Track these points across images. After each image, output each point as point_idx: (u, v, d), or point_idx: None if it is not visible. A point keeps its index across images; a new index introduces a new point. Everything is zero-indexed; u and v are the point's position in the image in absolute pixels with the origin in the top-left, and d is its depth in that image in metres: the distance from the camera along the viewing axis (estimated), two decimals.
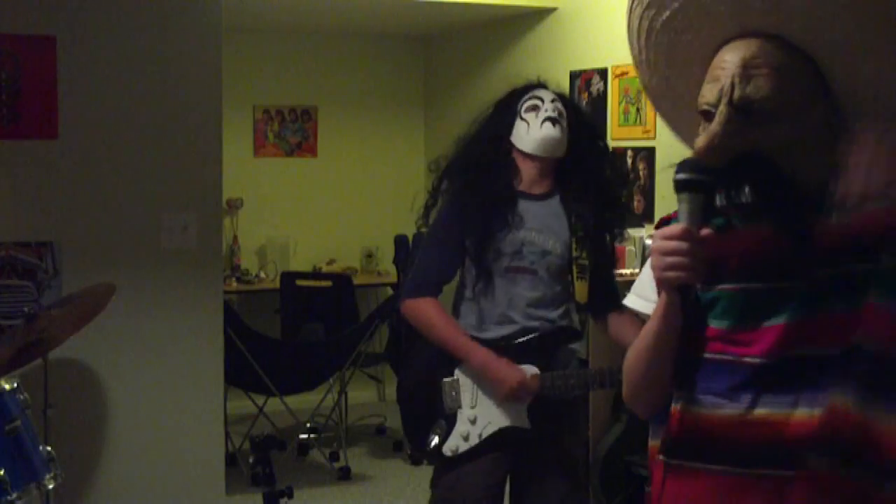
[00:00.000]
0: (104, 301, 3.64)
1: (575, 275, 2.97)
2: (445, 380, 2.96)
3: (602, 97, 5.29)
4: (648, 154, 5.05)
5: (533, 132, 2.90)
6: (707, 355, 1.60)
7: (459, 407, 2.93)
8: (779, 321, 1.53)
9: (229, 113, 4.61)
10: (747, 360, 1.55)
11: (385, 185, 6.97)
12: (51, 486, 3.26)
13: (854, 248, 1.51)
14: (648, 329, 1.65)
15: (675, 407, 1.63)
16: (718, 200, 1.59)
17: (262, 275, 6.56)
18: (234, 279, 6.37)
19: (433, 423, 2.94)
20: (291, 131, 6.94)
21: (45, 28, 3.91)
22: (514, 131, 2.94)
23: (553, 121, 2.89)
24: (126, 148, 4.05)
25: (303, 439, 5.77)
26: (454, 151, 3.04)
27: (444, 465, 2.98)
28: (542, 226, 2.94)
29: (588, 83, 5.40)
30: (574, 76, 5.49)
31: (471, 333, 2.95)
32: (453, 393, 2.95)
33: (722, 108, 1.54)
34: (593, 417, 4.41)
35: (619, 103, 5.18)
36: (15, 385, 3.26)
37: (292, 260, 6.74)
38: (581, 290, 2.97)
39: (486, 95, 3.12)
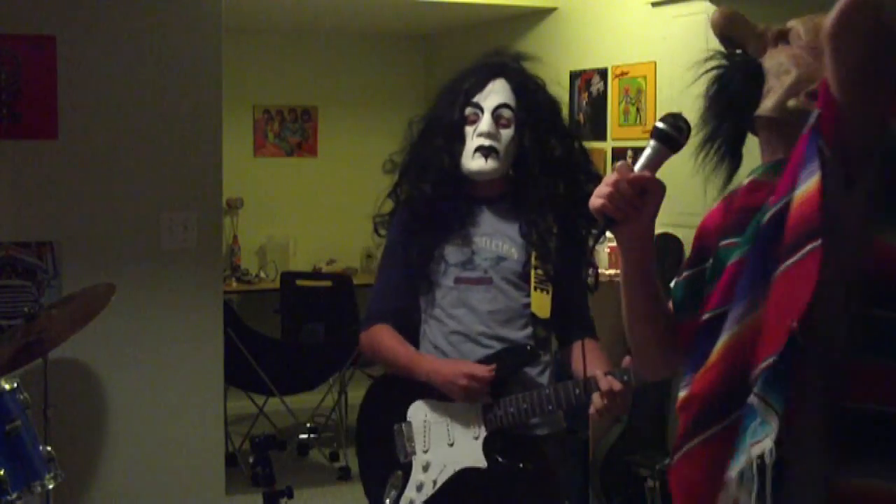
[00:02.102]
0: (104, 301, 3.63)
1: (533, 285, 2.59)
2: (397, 426, 2.63)
3: (602, 97, 5.29)
4: None
5: (466, 159, 2.59)
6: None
7: (414, 453, 2.60)
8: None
9: (229, 113, 4.60)
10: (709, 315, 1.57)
11: (385, 185, 6.95)
12: (51, 486, 3.26)
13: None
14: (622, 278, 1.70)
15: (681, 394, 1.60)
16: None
17: (262, 275, 6.56)
18: (234, 279, 6.37)
19: (390, 475, 2.62)
20: (291, 131, 6.94)
21: (45, 28, 3.91)
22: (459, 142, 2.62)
23: (485, 152, 2.55)
24: (126, 148, 4.05)
25: (303, 439, 5.77)
26: (406, 152, 2.79)
27: None
28: (493, 230, 2.62)
29: (588, 83, 5.40)
30: (574, 76, 5.48)
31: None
32: (406, 439, 2.61)
33: None
34: (593, 417, 4.40)
35: (619, 103, 5.18)
36: (15, 385, 3.26)
37: (292, 260, 6.73)
38: (539, 302, 2.59)
39: None
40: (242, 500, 4.79)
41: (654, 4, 4.96)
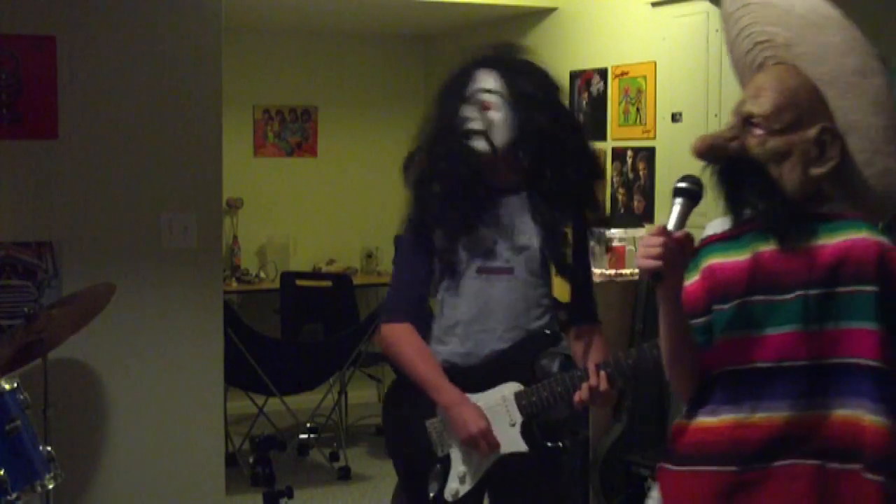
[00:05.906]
0: (104, 301, 3.64)
1: (554, 271, 2.70)
2: (429, 421, 2.68)
3: (602, 97, 5.29)
4: (648, 154, 5.05)
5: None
6: (713, 372, 1.91)
7: (451, 447, 2.65)
8: (785, 330, 1.83)
9: (229, 113, 4.60)
10: (758, 364, 1.85)
11: (385, 185, 6.95)
12: (51, 486, 3.26)
13: (839, 271, 1.81)
14: (661, 318, 1.94)
15: (681, 421, 1.95)
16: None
17: (262, 275, 6.56)
18: (234, 279, 6.37)
19: (430, 468, 2.67)
20: (291, 131, 6.95)
21: (45, 28, 3.91)
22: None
23: (471, 135, 2.63)
24: (126, 148, 4.05)
25: (303, 439, 5.78)
26: (420, 153, 2.81)
27: None
28: (512, 220, 2.67)
29: (588, 83, 5.40)
30: (574, 76, 5.48)
31: (438, 345, 2.71)
32: (440, 433, 2.67)
33: (731, 117, 1.89)
34: (593, 417, 4.41)
35: (619, 103, 5.18)
36: (15, 385, 3.26)
37: (292, 260, 6.74)
38: (561, 287, 2.70)
39: None
40: (242, 500, 4.80)
41: (654, 4, 4.96)
